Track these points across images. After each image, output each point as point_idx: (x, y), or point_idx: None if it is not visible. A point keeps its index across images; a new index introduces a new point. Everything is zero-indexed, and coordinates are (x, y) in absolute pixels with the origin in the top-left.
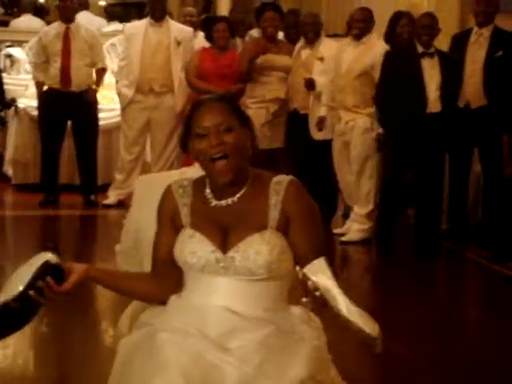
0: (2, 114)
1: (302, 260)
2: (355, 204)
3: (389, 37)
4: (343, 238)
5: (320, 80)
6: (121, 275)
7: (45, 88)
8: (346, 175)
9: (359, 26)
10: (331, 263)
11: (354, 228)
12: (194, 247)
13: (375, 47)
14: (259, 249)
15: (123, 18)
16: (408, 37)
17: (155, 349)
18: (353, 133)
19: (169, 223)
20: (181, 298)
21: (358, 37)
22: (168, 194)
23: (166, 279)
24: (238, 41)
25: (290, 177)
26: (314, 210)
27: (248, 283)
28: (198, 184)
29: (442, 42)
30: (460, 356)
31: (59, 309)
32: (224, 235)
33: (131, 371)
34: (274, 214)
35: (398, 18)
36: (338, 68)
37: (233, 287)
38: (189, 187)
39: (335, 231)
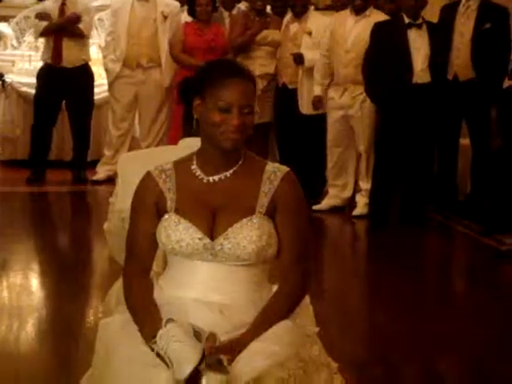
0: None
1: (282, 248)
2: (362, 177)
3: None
4: (354, 212)
5: (309, 54)
6: (152, 307)
7: (34, 63)
8: (342, 149)
9: None
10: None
11: (363, 202)
12: (180, 235)
13: (381, 18)
14: (249, 235)
15: None
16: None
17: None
18: (361, 105)
19: (152, 211)
20: (162, 288)
21: (361, 9)
22: (149, 180)
23: (150, 268)
24: (225, 14)
25: (285, 169)
26: (303, 206)
27: (235, 268)
28: (180, 165)
29: (432, 13)
30: (446, 327)
31: (51, 286)
32: (212, 218)
33: (110, 362)
34: (263, 201)
35: None
36: (335, 42)
37: (218, 272)
38: (171, 170)
39: (314, 207)
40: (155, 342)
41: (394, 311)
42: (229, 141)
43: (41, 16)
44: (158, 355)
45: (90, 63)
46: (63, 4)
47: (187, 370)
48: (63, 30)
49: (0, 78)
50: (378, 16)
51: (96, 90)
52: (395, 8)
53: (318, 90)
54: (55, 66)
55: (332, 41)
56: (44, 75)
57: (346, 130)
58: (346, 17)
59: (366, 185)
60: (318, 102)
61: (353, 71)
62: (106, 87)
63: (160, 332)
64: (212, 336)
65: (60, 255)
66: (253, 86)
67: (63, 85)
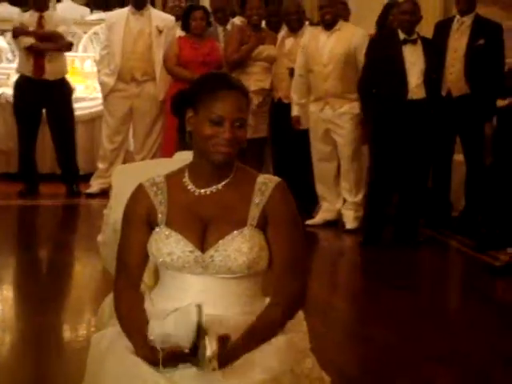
0: None
1: (275, 260)
2: (346, 191)
3: (380, 25)
4: (346, 227)
5: None
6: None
7: (16, 76)
8: (327, 163)
9: (331, 11)
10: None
11: (352, 216)
12: (171, 248)
13: (354, 31)
14: (240, 247)
15: (106, 7)
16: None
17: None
18: (342, 119)
19: (143, 223)
20: (153, 302)
21: (331, 24)
22: (141, 193)
23: (140, 280)
24: (220, 29)
25: (277, 179)
26: (296, 216)
27: (226, 281)
28: (171, 178)
29: (427, 30)
30: (439, 342)
31: (43, 298)
32: (202, 231)
33: (102, 377)
34: (254, 213)
35: (391, 6)
36: (312, 59)
37: (211, 285)
38: (162, 183)
39: (308, 222)
40: (150, 334)
41: (387, 326)
42: (220, 154)
43: (17, 32)
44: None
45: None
46: (41, 17)
47: (193, 322)
48: (45, 40)
49: None
50: (349, 28)
51: (90, 103)
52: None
53: (295, 110)
54: (35, 79)
55: (308, 58)
56: (23, 87)
57: (329, 144)
58: (318, 33)
59: (352, 198)
60: (296, 121)
61: (332, 84)
62: (100, 101)
63: (150, 323)
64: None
65: (52, 268)
66: (245, 99)
67: (43, 97)
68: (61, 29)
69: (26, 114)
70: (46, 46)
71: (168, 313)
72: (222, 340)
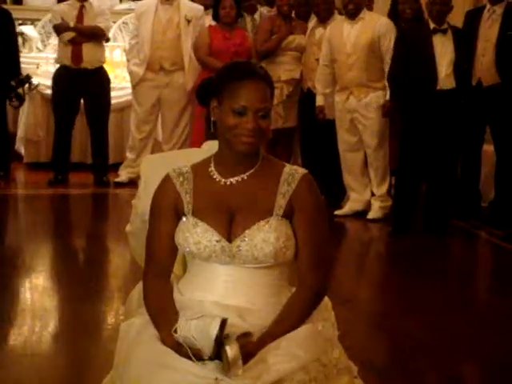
0: (20, 90)
1: (300, 250)
2: (372, 181)
3: (392, 15)
4: (368, 216)
5: None
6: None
7: (57, 66)
8: (354, 153)
9: (354, 1)
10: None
11: (377, 206)
12: (198, 237)
13: (377, 20)
14: (266, 237)
15: None
16: (411, 14)
17: (158, 348)
18: (367, 109)
19: (171, 213)
20: (182, 291)
21: (355, 13)
22: (167, 183)
23: (170, 271)
24: (248, 18)
25: (304, 171)
26: (321, 207)
27: (253, 271)
28: (198, 168)
29: (458, 19)
30: (469, 334)
31: (75, 285)
32: (229, 220)
33: (131, 363)
34: (281, 203)
35: None
36: (336, 50)
37: (237, 275)
38: (189, 173)
39: (336, 212)
40: (176, 331)
41: (416, 317)
42: (243, 144)
43: (60, 29)
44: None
45: (105, 65)
46: (82, 7)
47: (212, 335)
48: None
49: (27, 81)
50: (373, 17)
51: (119, 92)
52: (416, 9)
53: (319, 100)
54: (73, 68)
55: (332, 48)
56: (62, 77)
57: (355, 134)
58: (342, 23)
59: (377, 188)
60: (320, 111)
61: (357, 74)
62: (129, 90)
63: (179, 320)
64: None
65: (82, 257)
66: (269, 89)
67: (81, 86)
68: (102, 24)
69: (65, 104)
70: (85, 40)
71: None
72: (242, 338)
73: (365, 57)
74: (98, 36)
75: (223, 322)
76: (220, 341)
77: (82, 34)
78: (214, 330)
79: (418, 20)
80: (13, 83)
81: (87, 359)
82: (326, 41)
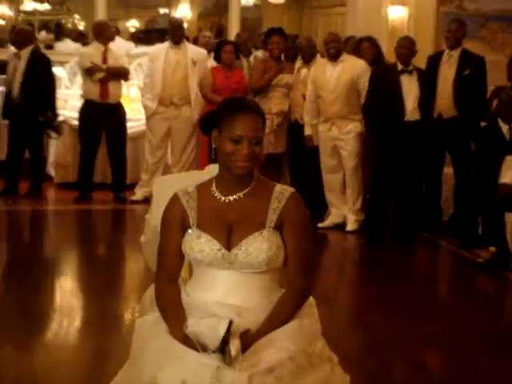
0: (57, 123)
1: (289, 257)
2: (349, 198)
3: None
4: (347, 228)
5: None
6: (179, 307)
7: (82, 101)
8: (334, 175)
9: (335, 45)
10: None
11: (353, 219)
12: (201, 246)
13: (356, 62)
14: (260, 246)
15: (148, 42)
16: (370, 58)
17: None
18: (347, 136)
19: (178, 226)
20: (188, 293)
21: (336, 56)
22: (175, 201)
23: (178, 275)
24: (244, 60)
25: (292, 189)
26: (307, 221)
27: (249, 275)
28: (201, 188)
29: (421, 61)
30: (431, 328)
31: (97, 288)
32: (228, 232)
33: (145, 354)
34: (272, 217)
35: (360, 41)
36: (320, 87)
37: (236, 279)
38: (193, 192)
39: (319, 225)
40: (186, 327)
41: (386, 314)
42: (240, 168)
43: (92, 71)
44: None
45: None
46: (106, 51)
47: (220, 333)
48: (115, 74)
49: (55, 121)
50: (351, 60)
51: (135, 123)
52: (376, 53)
53: (308, 130)
54: (98, 103)
55: (316, 86)
56: (88, 110)
57: (335, 158)
58: (324, 65)
59: (353, 204)
60: (309, 140)
61: (339, 108)
62: (142, 121)
63: (189, 318)
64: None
65: (103, 263)
66: (261, 120)
67: (104, 118)
68: (126, 64)
69: (91, 134)
70: (113, 78)
71: (205, 314)
72: (243, 335)
73: (345, 93)
74: (125, 75)
75: (230, 324)
76: (225, 339)
77: (111, 74)
78: (222, 330)
79: (378, 62)
80: (49, 114)
81: (107, 350)
82: (311, 80)
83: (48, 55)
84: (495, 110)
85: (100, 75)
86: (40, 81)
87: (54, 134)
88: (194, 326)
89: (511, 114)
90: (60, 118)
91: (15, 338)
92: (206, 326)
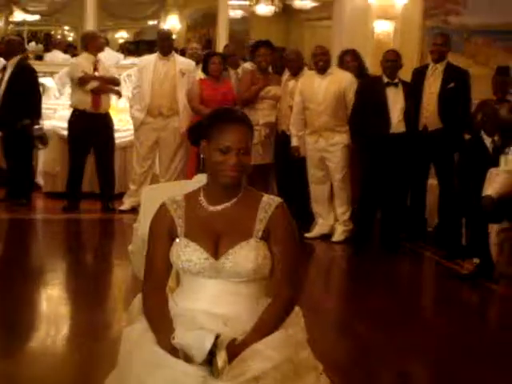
0: (43, 135)
1: (276, 267)
2: (337, 208)
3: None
4: (333, 239)
5: None
6: (166, 316)
7: (70, 110)
8: (321, 186)
9: (323, 58)
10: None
11: (341, 230)
12: (189, 256)
13: (343, 75)
14: (247, 255)
15: (137, 53)
16: (353, 70)
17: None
18: (334, 148)
19: (166, 236)
20: (176, 302)
21: (324, 69)
22: (163, 210)
23: (165, 284)
24: (231, 72)
25: (279, 200)
26: (293, 231)
27: (236, 284)
28: (189, 197)
29: (407, 74)
30: (415, 337)
31: (84, 296)
32: (216, 241)
33: (132, 363)
34: (259, 227)
35: (344, 54)
36: (308, 99)
37: (223, 287)
38: (181, 201)
39: (306, 235)
40: (174, 338)
41: (371, 323)
42: (228, 178)
43: (85, 80)
44: (176, 350)
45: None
46: (97, 61)
47: (207, 347)
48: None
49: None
50: (339, 73)
51: (123, 134)
52: (358, 65)
53: (295, 141)
54: (89, 113)
55: (304, 98)
56: (78, 120)
57: (322, 170)
58: (313, 77)
59: (341, 215)
60: (295, 151)
61: (326, 119)
62: (131, 132)
63: (176, 329)
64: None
65: (91, 272)
66: (249, 130)
67: (93, 128)
68: (115, 74)
69: (80, 144)
70: (107, 88)
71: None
72: (230, 345)
73: (333, 106)
74: (117, 84)
75: (217, 337)
76: (212, 351)
77: (105, 83)
78: (209, 343)
79: (360, 75)
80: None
81: (95, 358)
82: (299, 92)
83: (36, 66)
84: (479, 123)
85: (93, 84)
86: (23, 90)
87: (39, 145)
88: (181, 337)
89: (494, 127)
90: (48, 128)
91: (0, 348)
92: (193, 339)
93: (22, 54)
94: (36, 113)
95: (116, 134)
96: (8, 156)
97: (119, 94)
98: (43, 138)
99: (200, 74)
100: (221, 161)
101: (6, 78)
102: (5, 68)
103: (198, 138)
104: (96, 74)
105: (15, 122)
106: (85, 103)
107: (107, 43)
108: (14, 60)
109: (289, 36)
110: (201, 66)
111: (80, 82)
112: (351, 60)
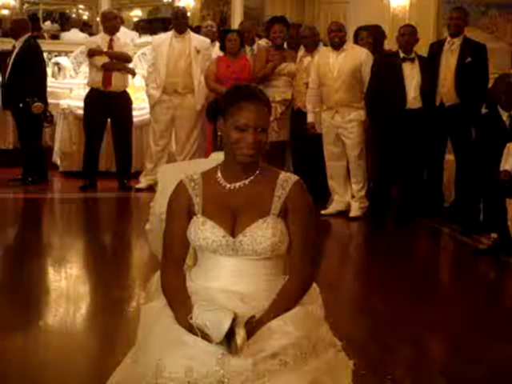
0: (48, 113)
1: (293, 244)
2: (354, 185)
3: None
4: (350, 215)
5: None
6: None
7: (87, 90)
8: (337, 162)
9: (339, 34)
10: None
11: (357, 206)
12: (206, 233)
13: (359, 51)
14: (264, 233)
15: (151, 32)
16: (367, 47)
17: (173, 327)
18: (350, 124)
19: (184, 213)
20: (193, 279)
21: (340, 45)
22: (181, 188)
23: (183, 262)
24: (247, 48)
25: (296, 177)
26: (310, 208)
27: (253, 262)
28: (206, 175)
29: (423, 49)
30: (433, 311)
31: (101, 276)
32: (233, 219)
33: (150, 340)
34: (276, 204)
35: (358, 31)
36: (324, 75)
37: (240, 265)
38: (199, 179)
39: (322, 212)
40: (191, 318)
41: (387, 299)
42: (245, 156)
43: (93, 52)
44: (196, 328)
45: (128, 89)
46: (111, 39)
47: (225, 328)
48: (116, 59)
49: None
50: (355, 48)
51: (139, 112)
52: (374, 41)
53: (310, 117)
54: (103, 91)
55: (320, 74)
56: (92, 98)
57: (339, 146)
58: (328, 53)
59: (357, 192)
60: (311, 127)
61: (342, 95)
62: (147, 110)
63: (194, 308)
64: (250, 318)
65: (108, 251)
66: (266, 108)
67: (109, 107)
68: (130, 52)
69: (95, 122)
70: (116, 64)
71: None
72: (248, 323)
73: (348, 81)
74: (126, 60)
75: (234, 319)
76: (230, 331)
77: (113, 58)
78: (226, 324)
79: (376, 52)
80: (29, 101)
81: (114, 336)
82: (315, 68)
83: (52, 45)
84: (495, 97)
85: (102, 59)
86: (28, 68)
87: (45, 123)
88: (199, 317)
89: (511, 101)
90: (64, 107)
91: (20, 324)
92: (211, 320)
93: (37, 33)
94: (37, 91)
95: (132, 113)
96: (19, 135)
97: (133, 73)
98: (48, 117)
99: (217, 52)
100: (238, 139)
101: (12, 56)
102: (14, 48)
103: (216, 115)
104: (105, 49)
105: (19, 100)
106: (97, 82)
107: (122, 22)
108: (22, 39)
109: (304, 12)
110: (216, 43)
111: (89, 54)
112: (366, 37)
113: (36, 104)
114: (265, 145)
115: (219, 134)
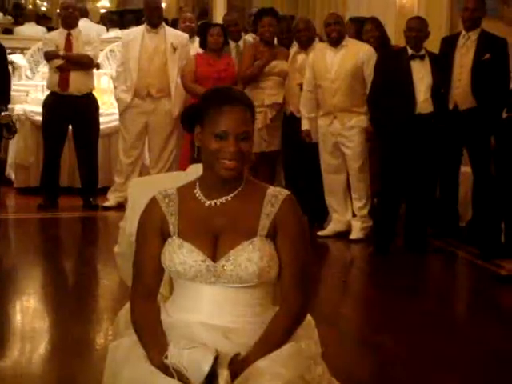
0: (11, 122)
1: (283, 270)
2: (355, 202)
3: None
4: (351, 237)
5: None
6: (157, 329)
7: (47, 92)
8: (336, 176)
9: (337, 28)
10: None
11: (359, 226)
12: (183, 257)
13: (361, 47)
14: (250, 256)
15: (121, 25)
16: (373, 41)
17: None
18: (351, 132)
19: (157, 234)
20: (169, 312)
21: (338, 40)
22: (154, 205)
23: (157, 292)
24: (232, 45)
25: (286, 192)
26: (303, 228)
27: (238, 290)
28: (183, 190)
29: (434, 45)
30: (446, 350)
31: (63, 309)
32: (214, 241)
33: (120, 381)
34: (264, 223)
35: (363, 23)
36: (319, 75)
37: (223, 295)
38: (174, 195)
39: (319, 233)
40: (166, 357)
41: (395, 333)
42: (226, 170)
43: (49, 56)
44: (172, 369)
45: (94, 92)
46: (69, 35)
47: (205, 369)
48: (72, 61)
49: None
50: (355, 44)
51: (106, 118)
52: (381, 35)
53: (305, 124)
54: (62, 94)
55: (315, 74)
56: (50, 103)
57: (338, 157)
58: (325, 50)
59: (359, 210)
60: (306, 135)
61: (340, 99)
62: (116, 116)
63: (170, 346)
64: (236, 356)
65: (71, 279)
66: (249, 112)
67: (69, 112)
68: (90, 52)
69: (54, 130)
70: (74, 67)
71: (188, 338)
72: (232, 362)
73: (348, 83)
74: (86, 64)
75: (216, 358)
76: (211, 372)
77: (70, 62)
78: (206, 366)
79: (383, 46)
80: None
81: (77, 379)
82: (310, 67)
83: (4, 41)
84: None
85: (57, 63)
86: None
87: (6, 134)
88: (175, 357)
89: None
90: (19, 113)
91: None
92: (189, 360)
93: None
94: (2, 97)
95: (99, 119)
96: None
97: (96, 66)
98: (10, 127)
99: (196, 49)
100: (217, 148)
101: None
102: None
103: (192, 124)
104: (62, 52)
105: None
106: (54, 84)
107: (86, 13)
108: None
109: (297, 3)
110: (195, 39)
111: (45, 58)
112: (372, 30)
113: (4, 113)
114: (249, 155)
115: (196, 144)
